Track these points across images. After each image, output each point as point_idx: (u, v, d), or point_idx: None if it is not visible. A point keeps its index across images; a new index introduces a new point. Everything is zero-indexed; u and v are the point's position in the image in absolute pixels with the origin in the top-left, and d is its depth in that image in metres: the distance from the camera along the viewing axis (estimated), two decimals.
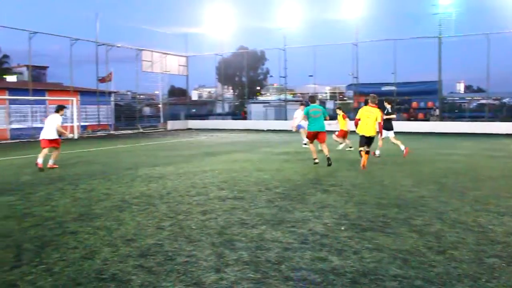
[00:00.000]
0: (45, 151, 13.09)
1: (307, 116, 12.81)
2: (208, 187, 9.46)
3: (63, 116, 13.60)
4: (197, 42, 51.72)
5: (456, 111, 40.47)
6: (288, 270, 4.68)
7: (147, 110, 54.97)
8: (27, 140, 27.91)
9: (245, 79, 58.76)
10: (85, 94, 35.32)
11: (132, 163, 14.15)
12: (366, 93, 27.49)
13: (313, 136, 12.83)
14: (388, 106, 15.58)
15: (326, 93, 62.43)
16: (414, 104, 37.07)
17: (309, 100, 13.42)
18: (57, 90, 34.53)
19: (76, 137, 28.58)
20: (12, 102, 30.09)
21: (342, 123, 17.29)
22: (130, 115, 42.71)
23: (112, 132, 35.00)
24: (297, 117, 18.50)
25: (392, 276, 4.49)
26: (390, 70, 34.58)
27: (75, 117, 30.55)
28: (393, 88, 34.40)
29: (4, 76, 52.00)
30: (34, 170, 12.76)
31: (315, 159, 12.89)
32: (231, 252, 5.25)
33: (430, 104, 36.29)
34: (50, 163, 13.20)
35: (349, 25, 35.66)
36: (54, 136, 13.20)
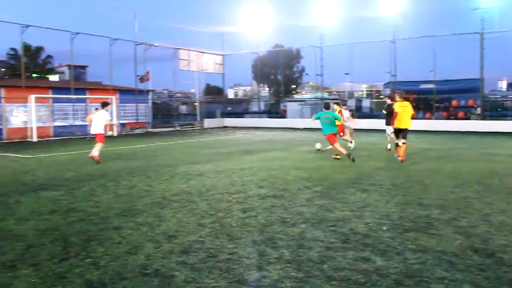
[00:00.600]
0: (100, 144, 14.32)
1: (319, 120, 13.93)
2: (247, 185, 9.49)
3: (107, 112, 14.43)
4: (233, 41, 52.10)
5: (499, 109, 39.20)
6: (331, 269, 4.64)
7: (183, 108, 55.67)
8: (68, 137, 28.71)
9: (280, 77, 58.67)
10: (124, 92, 36.03)
11: (170, 161, 14.35)
12: (404, 91, 27.09)
13: (332, 137, 13.77)
14: (388, 101, 16.23)
15: (362, 91, 61.66)
16: (454, 102, 36.12)
17: (323, 106, 14.43)
18: (97, 89, 35.35)
19: (115, 134, 29.25)
20: (55, 100, 30.98)
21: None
22: (167, 113, 43.38)
23: (149, 130, 35.59)
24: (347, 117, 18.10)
25: (438, 279, 4.38)
26: (429, 67, 33.84)
27: (114, 115, 31.17)
28: (432, 86, 33.63)
29: (47, 76, 53.70)
30: (77, 167, 13.10)
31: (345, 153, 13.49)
32: (272, 250, 5.24)
33: (471, 102, 35.28)
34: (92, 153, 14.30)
35: (387, 22, 35.04)
36: (101, 130, 14.35)
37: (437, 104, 34.26)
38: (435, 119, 32.50)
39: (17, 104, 28.90)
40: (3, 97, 28.50)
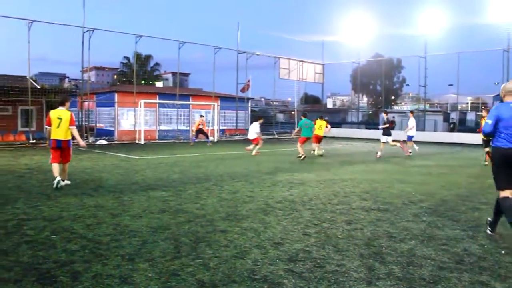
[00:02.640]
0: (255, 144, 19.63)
1: (301, 127, 18.62)
2: (350, 196, 9.33)
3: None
4: (333, 50, 51.83)
5: None
6: None
7: (280, 116, 56.22)
8: (172, 141, 30.14)
9: (380, 87, 57.20)
10: (225, 99, 37.15)
11: (271, 168, 14.55)
12: None
13: (305, 141, 18.47)
14: (385, 117, 20.31)
15: (467, 103, 58.24)
16: None
17: (302, 115, 19.67)
18: (199, 95, 36.79)
19: (215, 140, 30.20)
20: (160, 105, 32.73)
21: (319, 130, 19.70)
22: (265, 121, 43.93)
23: (248, 137, 36.31)
24: (412, 126, 20.78)
25: None
26: None
27: (215, 121, 32.27)
28: None
29: (154, 82, 56.95)
30: (182, 169, 13.70)
31: (302, 155, 17.72)
32: (381, 265, 5.06)
33: None
34: (254, 151, 19.49)
35: (499, 29, 32.82)
36: (254, 136, 19.88)
37: None
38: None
39: (127, 108, 30.96)
40: (116, 101, 30.69)
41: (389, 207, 8.24)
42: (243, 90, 37.46)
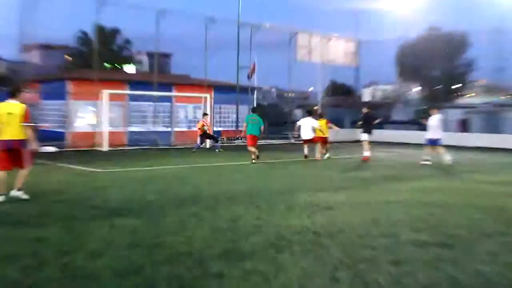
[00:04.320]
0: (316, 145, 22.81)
1: (247, 123, 21.56)
2: (397, 226, 9.26)
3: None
4: (371, 22, 51.71)
5: None
6: None
7: (298, 113, 56.21)
8: (148, 147, 30.13)
9: (437, 73, 57.13)
10: (221, 90, 37.19)
11: (286, 185, 14.51)
12: None
13: (254, 140, 21.26)
14: (364, 110, 24.30)
15: None
16: None
17: (251, 110, 23.68)
18: (186, 84, 36.88)
19: (207, 146, 30.14)
20: (132, 98, 32.75)
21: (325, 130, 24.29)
22: (277, 120, 43.97)
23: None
24: (435, 125, 21.67)
25: None
26: None
27: (208, 119, 32.20)
28: None
29: (123, 66, 57.10)
30: (161, 187, 13.68)
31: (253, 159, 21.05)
32: None
33: None
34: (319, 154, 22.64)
35: None
36: (312, 135, 23.13)
37: None
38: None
39: (84, 102, 30.98)
40: (69, 92, 30.68)
41: (453, 242, 8.16)
42: (250, 76, 37.46)
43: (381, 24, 55.03)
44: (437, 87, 49.22)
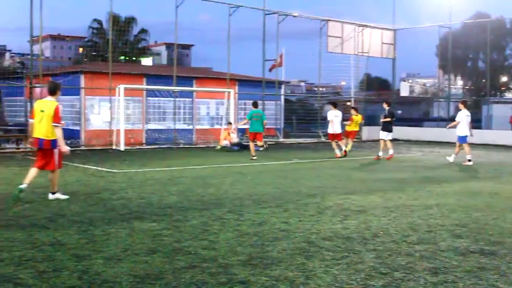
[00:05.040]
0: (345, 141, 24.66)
1: (250, 119, 23.11)
2: (436, 232, 9.27)
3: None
4: (410, 9, 51.38)
5: None
6: None
7: (329, 109, 56.03)
8: (167, 145, 30.29)
9: (483, 64, 56.59)
10: (245, 84, 37.19)
11: (315, 187, 14.56)
12: None
13: (255, 137, 23.20)
14: (386, 108, 24.60)
15: None
16: None
17: (252, 104, 24.47)
18: (207, 78, 36.90)
19: (230, 144, 30.19)
20: (149, 93, 32.91)
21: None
22: (306, 116, 43.90)
23: (281, 140, 36.32)
24: (461, 121, 21.97)
25: None
26: None
27: (232, 116, 32.29)
28: None
29: (140, 59, 57.36)
30: (182, 189, 13.83)
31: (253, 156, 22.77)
32: None
33: None
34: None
35: None
36: (339, 130, 24.49)
37: None
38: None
39: (99, 97, 31.21)
40: (83, 87, 30.94)
41: (498, 250, 8.15)
42: (272, 68, 37.51)
43: (420, 10, 54.40)
44: (483, 80, 48.65)
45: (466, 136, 21.70)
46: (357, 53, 41.38)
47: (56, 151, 11.82)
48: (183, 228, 9.29)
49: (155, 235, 8.72)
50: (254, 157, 22.56)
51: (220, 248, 7.94)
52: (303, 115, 44.74)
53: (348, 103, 46.22)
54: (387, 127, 23.94)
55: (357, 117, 27.78)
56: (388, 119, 24.05)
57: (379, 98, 51.69)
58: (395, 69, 45.14)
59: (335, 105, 25.65)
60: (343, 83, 50.52)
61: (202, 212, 10.78)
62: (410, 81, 66.28)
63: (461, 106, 22.65)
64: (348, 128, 27.18)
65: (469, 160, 21.45)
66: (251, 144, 23.33)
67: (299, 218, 10.29)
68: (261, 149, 25.32)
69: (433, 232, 9.22)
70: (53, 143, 11.71)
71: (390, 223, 9.92)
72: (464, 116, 21.77)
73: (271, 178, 16.55)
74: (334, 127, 24.46)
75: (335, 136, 24.69)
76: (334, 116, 24.53)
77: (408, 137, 39.12)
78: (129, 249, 7.82)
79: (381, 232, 9.15)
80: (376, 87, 59.62)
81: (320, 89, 53.09)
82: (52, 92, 12.02)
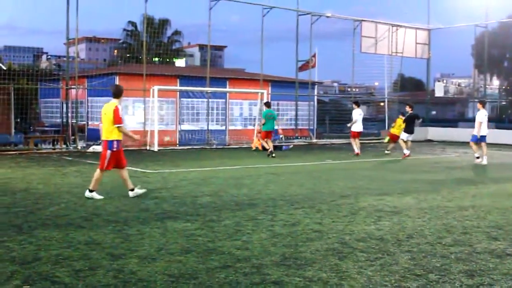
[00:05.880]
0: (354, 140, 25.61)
1: (265, 119, 24.48)
2: (472, 233, 9.19)
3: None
4: (444, 8, 50.82)
5: None
6: None
7: (363, 110, 55.77)
8: (200, 146, 30.45)
9: None
10: (278, 85, 37.23)
11: (349, 188, 14.54)
12: None
13: (268, 135, 24.49)
14: (409, 111, 25.44)
15: None
16: None
17: (265, 104, 26.12)
18: (241, 79, 36.97)
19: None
20: (183, 94, 33.10)
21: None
22: (338, 117, 43.70)
23: (314, 140, 36.25)
24: (483, 121, 22.03)
25: None
26: None
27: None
28: None
29: (173, 60, 57.71)
30: (213, 190, 13.85)
31: (271, 151, 24.00)
32: None
33: None
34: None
35: None
36: (360, 129, 25.56)
37: None
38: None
39: (133, 98, 31.48)
40: None
41: None
42: (302, 68, 37.42)
43: (455, 10, 53.70)
44: None
45: (485, 135, 22.05)
46: (391, 54, 41.13)
47: (109, 152, 12.35)
48: (217, 228, 9.34)
49: (189, 235, 8.79)
50: (273, 155, 23.83)
51: (254, 248, 7.98)
52: (336, 116, 44.51)
53: (381, 104, 46.03)
54: (408, 129, 24.89)
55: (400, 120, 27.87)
56: (407, 121, 25.13)
57: (413, 98, 51.33)
58: (429, 69, 44.81)
59: (358, 104, 27.04)
60: (376, 83, 50.22)
61: (236, 212, 10.84)
62: (444, 81, 65.69)
63: (479, 106, 23.00)
64: (393, 131, 27.18)
65: (478, 158, 22.04)
66: (269, 143, 24.37)
67: (332, 219, 10.30)
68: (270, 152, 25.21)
69: (468, 234, 9.15)
70: (109, 144, 12.35)
71: (424, 225, 9.87)
72: (483, 116, 22.10)
73: (304, 179, 16.55)
74: (358, 126, 25.39)
75: (358, 134, 25.69)
76: (358, 115, 25.50)
77: (442, 138, 38.78)
78: (163, 249, 7.89)
79: (416, 234, 9.11)
80: (410, 88, 59.17)
81: (353, 89, 52.85)
82: (115, 95, 12.84)
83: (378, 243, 8.43)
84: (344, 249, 8.00)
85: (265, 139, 24.58)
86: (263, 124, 24.85)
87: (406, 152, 24.45)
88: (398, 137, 25.58)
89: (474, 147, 22.37)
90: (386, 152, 26.38)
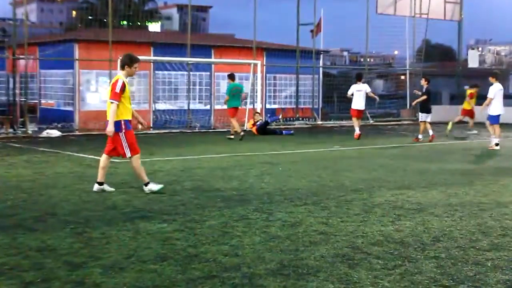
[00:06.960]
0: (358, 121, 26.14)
1: (229, 95, 25.39)
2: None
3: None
4: None
5: None
6: None
7: (379, 84, 55.81)
8: (179, 130, 30.36)
9: None
10: (275, 54, 37.10)
11: (361, 181, 14.52)
12: None
13: (235, 113, 25.35)
14: (424, 85, 26.47)
15: None
16: None
17: (228, 77, 26.66)
18: (229, 47, 36.85)
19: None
20: (158, 66, 32.95)
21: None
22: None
23: (319, 122, 36.20)
24: (495, 98, 22.72)
25: None
26: None
27: (258, 94, 32.24)
28: None
29: (146, 24, 57.48)
30: (196, 184, 13.86)
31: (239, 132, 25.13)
32: None
33: None
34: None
35: None
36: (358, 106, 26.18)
37: None
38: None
39: (97, 71, 31.35)
40: (77, 59, 31.06)
41: None
42: (315, 34, 37.21)
43: None
44: None
45: (499, 115, 22.51)
46: (414, 15, 41.09)
47: (122, 134, 12.24)
48: (199, 230, 9.31)
49: (165, 239, 8.76)
50: (232, 136, 25.53)
51: (245, 255, 7.97)
52: (347, 92, 44.48)
53: (402, 77, 46.01)
54: (425, 108, 25.82)
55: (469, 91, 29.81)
56: (425, 97, 25.94)
57: (441, 70, 51.28)
58: (461, 35, 44.79)
59: (360, 77, 27.49)
60: (396, 52, 50.23)
61: (223, 210, 10.81)
62: (480, 49, 65.68)
63: (492, 79, 23.39)
64: (466, 106, 29.14)
65: (497, 144, 22.22)
66: (234, 122, 25.68)
67: (341, 218, 10.27)
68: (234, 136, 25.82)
69: (508, 236, 9.17)
70: (117, 125, 12.16)
71: (454, 225, 9.86)
72: (497, 91, 22.49)
73: (307, 169, 16.54)
74: (358, 103, 26.38)
75: (359, 113, 26.78)
76: (356, 91, 26.30)
77: (476, 119, 38.76)
78: (133, 256, 7.87)
79: (443, 236, 9.12)
80: (438, 57, 59.16)
81: (368, 60, 52.77)
82: (120, 66, 13.03)
83: (397, 247, 8.43)
84: (355, 255, 8.00)
85: (232, 118, 25.65)
86: (227, 101, 25.81)
87: (420, 136, 25.56)
88: (473, 112, 27.33)
89: (494, 130, 22.66)
90: (474, 132, 28.85)
